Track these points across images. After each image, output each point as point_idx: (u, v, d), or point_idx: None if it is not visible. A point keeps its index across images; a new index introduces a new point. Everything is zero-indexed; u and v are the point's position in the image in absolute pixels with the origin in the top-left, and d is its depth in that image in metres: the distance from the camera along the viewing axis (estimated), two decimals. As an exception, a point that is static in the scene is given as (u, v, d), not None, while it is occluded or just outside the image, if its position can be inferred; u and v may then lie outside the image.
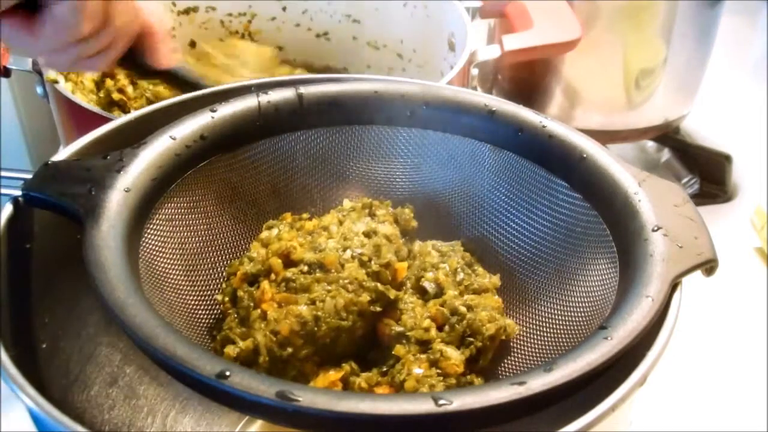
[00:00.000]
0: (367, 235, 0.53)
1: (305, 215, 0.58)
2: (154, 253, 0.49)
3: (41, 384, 0.41)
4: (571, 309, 0.52)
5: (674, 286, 0.45)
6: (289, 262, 0.52)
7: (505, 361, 0.53)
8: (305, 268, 0.50)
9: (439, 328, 0.51)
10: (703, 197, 1.03)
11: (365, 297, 0.49)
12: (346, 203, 0.58)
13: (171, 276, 0.51)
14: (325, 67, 1.04)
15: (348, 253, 0.51)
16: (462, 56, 0.79)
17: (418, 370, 0.48)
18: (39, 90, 0.81)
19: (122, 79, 0.90)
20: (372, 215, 0.57)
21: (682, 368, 0.75)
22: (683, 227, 0.48)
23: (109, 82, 0.90)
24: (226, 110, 0.55)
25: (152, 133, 0.52)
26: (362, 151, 0.60)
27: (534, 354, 0.53)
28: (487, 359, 0.51)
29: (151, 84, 0.90)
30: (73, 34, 0.57)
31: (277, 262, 0.51)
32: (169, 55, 0.67)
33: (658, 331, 0.43)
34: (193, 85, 0.68)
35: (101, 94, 0.90)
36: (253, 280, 0.52)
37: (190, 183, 0.53)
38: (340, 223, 0.55)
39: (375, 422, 0.36)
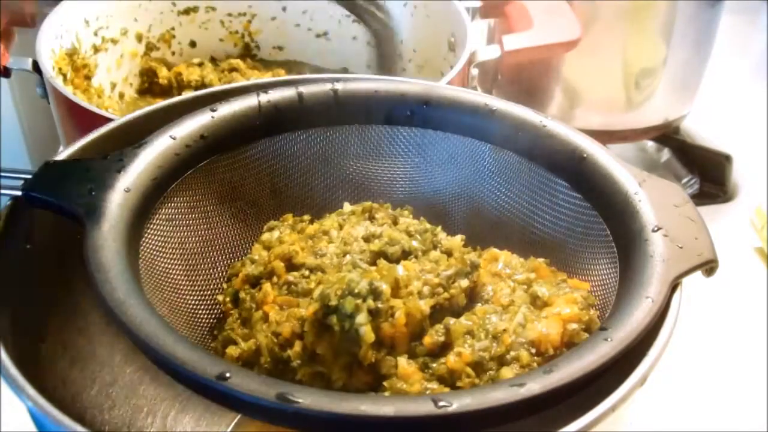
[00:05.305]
0: (367, 239, 0.53)
1: (306, 217, 0.58)
2: (154, 253, 0.49)
3: (41, 384, 0.41)
4: (571, 309, 0.52)
5: (674, 287, 0.45)
6: (290, 265, 0.52)
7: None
8: (306, 273, 0.51)
9: None
10: (703, 197, 1.03)
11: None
12: (346, 207, 0.58)
13: (171, 276, 0.51)
14: (325, 67, 1.04)
15: (348, 258, 0.52)
16: (462, 56, 0.79)
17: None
18: (39, 90, 0.81)
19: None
20: (371, 218, 0.57)
21: (682, 368, 0.75)
22: (683, 227, 0.48)
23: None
24: (226, 110, 0.55)
25: (152, 133, 0.52)
26: (362, 151, 0.60)
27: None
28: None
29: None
30: None
31: (279, 266, 0.51)
32: None
33: (658, 331, 0.43)
34: None
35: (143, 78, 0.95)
36: (255, 281, 0.52)
37: (190, 183, 0.53)
38: (341, 227, 0.55)
39: (375, 424, 0.36)
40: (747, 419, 0.73)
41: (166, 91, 0.95)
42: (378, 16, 0.90)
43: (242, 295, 0.52)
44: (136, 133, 0.54)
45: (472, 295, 0.51)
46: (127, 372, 0.60)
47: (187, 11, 0.99)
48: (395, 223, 0.57)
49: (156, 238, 0.50)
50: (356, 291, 0.44)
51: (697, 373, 0.77)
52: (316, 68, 1.04)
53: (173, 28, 0.99)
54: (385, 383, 0.45)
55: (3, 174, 0.65)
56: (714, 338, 0.80)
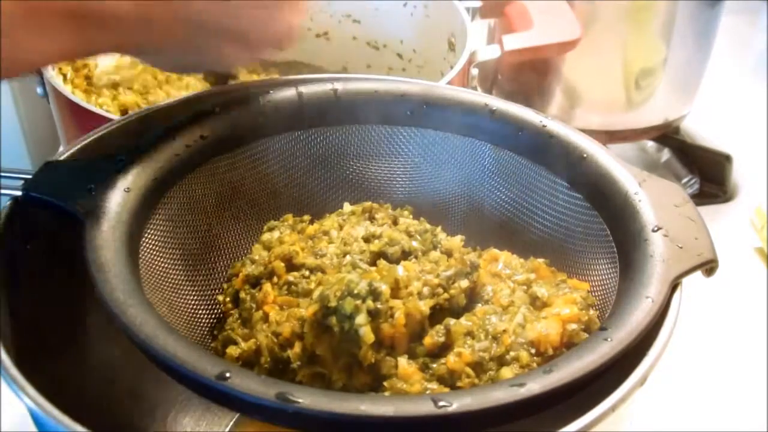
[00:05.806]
0: (367, 239, 0.53)
1: (306, 217, 0.58)
2: (155, 253, 0.49)
3: (41, 384, 0.41)
4: (571, 309, 0.52)
5: (674, 287, 0.45)
6: (291, 265, 0.52)
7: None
8: (306, 273, 0.51)
9: None
10: (703, 197, 1.03)
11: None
12: (346, 207, 0.58)
13: (171, 276, 0.51)
14: (325, 67, 1.04)
15: (348, 258, 0.52)
16: (462, 56, 0.79)
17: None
18: (39, 90, 0.81)
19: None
20: (371, 219, 0.57)
21: (682, 368, 0.75)
22: (683, 227, 0.48)
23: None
24: (226, 110, 0.55)
25: (152, 133, 0.52)
26: (362, 151, 0.60)
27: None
28: None
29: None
30: None
31: (279, 266, 0.51)
32: None
33: (658, 331, 0.43)
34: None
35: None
36: (255, 281, 0.52)
37: (190, 183, 0.53)
38: (341, 227, 0.55)
39: (375, 423, 0.36)
40: (747, 419, 0.73)
41: (165, 91, 0.95)
42: None
43: (242, 295, 0.52)
44: (136, 133, 0.54)
45: (472, 296, 0.51)
46: (127, 372, 0.60)
47: (187, 11, 0.99)
48: (395, 223, 0.57)
49: (156, 238, 0.50)
50: (356, 292, 0.44)
51: (697, 373, 0.77)
52: (316, 68, 1.04)
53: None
54: (385, 383, 0.45)
55: (3, 174, 0.65)
56: (714, 338, 0.80)
